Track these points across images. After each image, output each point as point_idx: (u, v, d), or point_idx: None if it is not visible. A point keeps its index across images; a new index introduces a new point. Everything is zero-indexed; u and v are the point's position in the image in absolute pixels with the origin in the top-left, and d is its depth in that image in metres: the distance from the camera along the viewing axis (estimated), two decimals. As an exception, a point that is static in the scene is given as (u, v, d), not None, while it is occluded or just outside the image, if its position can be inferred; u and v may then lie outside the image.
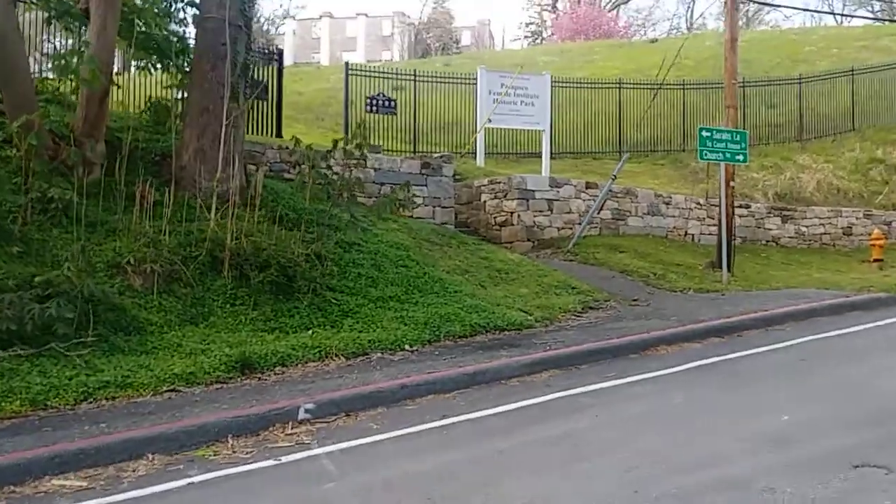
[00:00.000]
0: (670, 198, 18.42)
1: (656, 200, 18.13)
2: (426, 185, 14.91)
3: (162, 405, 6.43)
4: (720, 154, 14.21)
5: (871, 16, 64.05)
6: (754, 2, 19.09)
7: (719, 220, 14.68)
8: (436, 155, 18.77)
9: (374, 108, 21.15)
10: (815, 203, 20.88)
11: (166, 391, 6.83)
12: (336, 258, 10.19)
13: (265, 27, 78.54)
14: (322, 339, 8.39)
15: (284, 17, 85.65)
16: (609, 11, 65.28)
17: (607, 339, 8.80)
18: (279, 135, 19.75)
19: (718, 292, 13.18)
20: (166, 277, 8.68)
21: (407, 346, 8.63)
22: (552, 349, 8.37)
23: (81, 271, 7.59)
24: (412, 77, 22.19)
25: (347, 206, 10.80)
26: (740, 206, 19.49)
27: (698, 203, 18.52)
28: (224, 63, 10.83)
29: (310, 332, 8.61)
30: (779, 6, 55.08)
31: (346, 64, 21.80)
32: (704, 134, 14.05)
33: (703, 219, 18.63)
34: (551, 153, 22.81)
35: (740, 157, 14.50)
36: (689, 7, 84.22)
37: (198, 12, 11.72)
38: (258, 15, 67.09)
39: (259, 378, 7.37)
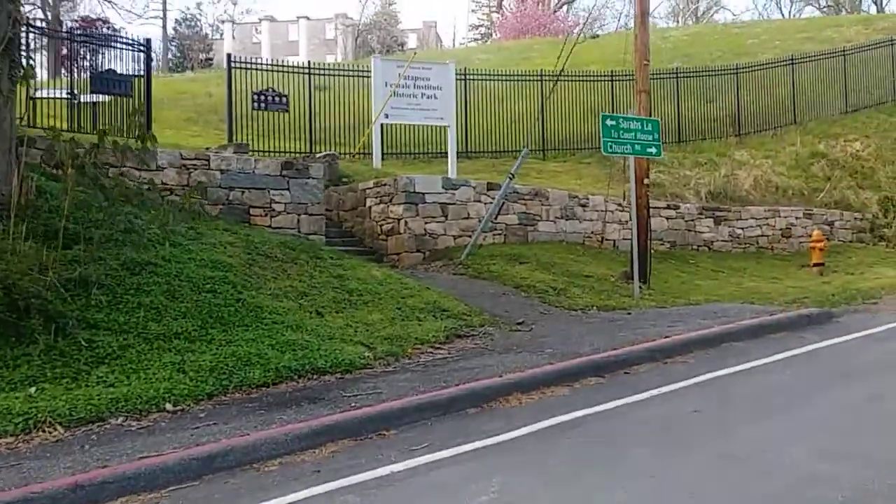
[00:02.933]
0: (587, 199, 16.33)
1: (571, 202, 16.03)
2: (288, 190, 12.60)
3: None
4: (628, 146, 12.12)
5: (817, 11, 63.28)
6: None
7: (633, 224, 12.57)
8: (319, 154, 16.58)
9: (263, 105, 18.91)
10: (751, 203, 18.97)
11: None
12: (114, 284, 7.87)
13: (203, 31, 75.91)
14: (45, 399, 6.09)
15: (223, 21, 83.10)
16: (555, 11, 63.70)
17: (443, 388, 6.58)
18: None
19: (625, 310, 11.09)
20: None
21: (168, 405, 6.34)
22: (358, 407, 6.14)
23: None
24: (305, 70, 19.91)
25: (125, 215, 8.45)
26: (668, 208, 17.54)
27: (619, 205, 16.44)
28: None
29: (33, 388, 6.28)
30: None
31: (228, 56, 19.46)
32: (609, 123, 11.96)
33: (626, 222, 16.51)
34: (467, 152, 20.80)
35: (652, 150, 12.42)
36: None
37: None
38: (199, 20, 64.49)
39: None
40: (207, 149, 15.40)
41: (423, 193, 14.11)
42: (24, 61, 10.34)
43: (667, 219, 17.39)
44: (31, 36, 16.60)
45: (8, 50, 8.75)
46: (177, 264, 8.70)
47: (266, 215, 12.38)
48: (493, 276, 12.46)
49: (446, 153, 18.71)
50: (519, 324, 9.95)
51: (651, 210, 16.21)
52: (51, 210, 8.57)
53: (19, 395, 6.11)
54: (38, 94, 18.09)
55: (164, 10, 65.01)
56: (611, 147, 11.96)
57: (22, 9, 9.28)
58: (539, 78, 22.09)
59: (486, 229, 14.31)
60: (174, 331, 7.49)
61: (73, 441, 5.60)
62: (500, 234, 14.88)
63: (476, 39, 77.14)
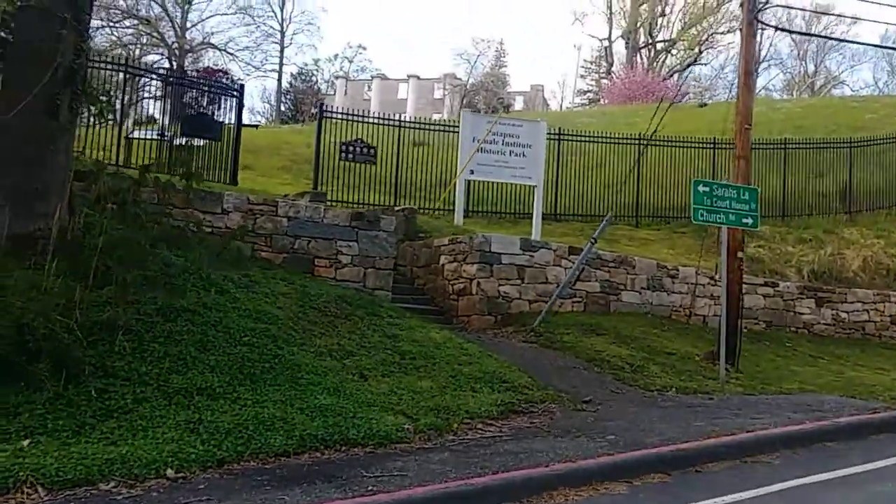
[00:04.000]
0: (677, 270, 15.25)
1: (659, 273, 14.98)
2: (357, 241, 12.07)
3: None
4: (721, 215, 11.10)
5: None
6: (774, 28, 15.77)
7: (722, 300, 11.48)
8: (398, 208, 16.08)
9: (350, 156, 18.65)
10: (859, 285, 17.42)
11: None
12: (143, 330, 7.37)
13: (317, 86, 77.89)
14: (35, 454, 5.54)
15: (337, 77, 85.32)
16: (664, 79, 62.60)
17: (476, 477, 5.73)
18: (234, 181, 17.31)
19: (707, 394, 10.01)
20: None
21: (169, 471, 5.70)
22: (374, 492, 5.35)
23: None
24: (396, 123, 19.61)
25: (162, 257, 7.97)
26: (765, 285, 16.25)
27: (712, 278, 15.27)
28: (39, 67, 8.27)
29: (27, 441, 5.75)
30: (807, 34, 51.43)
31: (321, 105, 19.37)
32: (701, 189, 10.99)
33: (717, 297, 15.21)
34: (555, 215, 20.04)
35: (748, 221, 11.36)
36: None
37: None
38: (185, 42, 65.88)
39: None
40: (285, 196, 15.12)
41: (499, 254, 13.37)
42: (88, 94, 10.23)
43: (763, 297, 16.08)
44: (123, 77, 16.88)
45: (71, 80, 8.54)
46: (217, 313, 8.18)
47: (331, 266, 11.85)
48: (566, 347, 11.56)
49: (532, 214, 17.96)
50: (585, 402, 9.01)
51: (746, 286, 15.07)
52: (94, 248, 8.19)
53: (9, 449, 5.58)
54: (133, 135, 18.47)
55: (281, 63, 67.19)
56: (702, 215, 10.97)
57: (88, 42, 9.08)
58: (636, 141, 21.20)
59: (564, 296, 13.42)
60: (198, 385, 6.91)
61: (54, 505, 5.01)
62: (579, 302, 13.96)
63: (583, 104, 76.73)
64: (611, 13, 67.16)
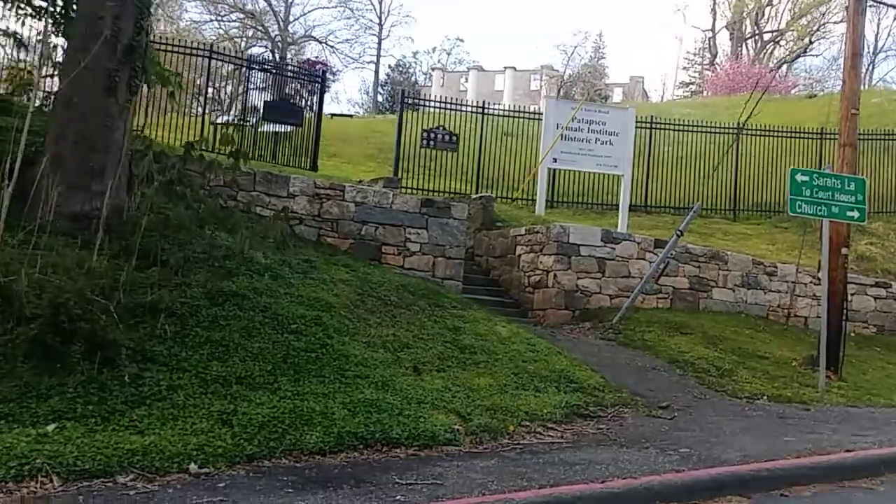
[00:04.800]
0: (775, 267, 14.17)
1: (755, 269, 13.94)
2: (426, 229, 11.55)
3: None
4: (822, 207, 10.09)
5: None
6: (879, 2, 14.42)
7: (823, 300, 10.47)
8: (475, 196, 15.49)
9: (432, 143, 18.20)
10: (982, 287, 15.87)
11: None
12: (188, 313, 7.02)
13: (414, 78, 77.91)
14: (57, 440, 5.20)
15: (433, 69, 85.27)
16: (772, 70, 59.87)
17: (519, 491, 5.08)
18: (314, 167, 17.12)
19: (804, 404, 9.10)
20: None
21: (193, 466, 5.28)
22: (401, 503, 4.80)
23: None
24: (479, 110, 19.01)
25: (210, 238, 7.56)
26: (877, 285, 14.97)
27: (815, 277, 14.11)
28: (98, 43, 8.01)
29: (52, 426, 5.43)
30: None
31: (402, 92, 18.94)
32: (799, 178, 10.02)
33: (820, 297, 14.21)
34: (646, 206, 19.13)
35: (853, 214, 10.31)
36: (868, 69, 75.29)
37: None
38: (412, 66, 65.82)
39: None
40: (360, 181, 14.75)
41: (578, 245, 12.64)
42: (159, 74, 10.02)
43: (875, 298, 14.79)
44: (212, 62, 16.84)
45: (130, 57, 8.27)
46: (267, 298, 7.78)
47: (399, 254, 11.37)
48: (647, 346, 10.79)
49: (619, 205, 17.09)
50: (662, 408, 8.25)
51: (855, 286, 13.99)
52: (151, 228, 7.89)
53: (32, 434, 5.26)
54: (218, 120, 18.47)
55: (378, 55, 67.22)
56: (800, 207, 10.00)
57: (150, 20, 8.80)
58: (733, 130, 20.01)
59: (648, 291, 12.60)
60: (238, 374, 6.49)
61: (56, 499, 4.64)
62: (665, 298, 13.09)
63: (685, 96, 74.32)
64: (714, 3, 64.58)
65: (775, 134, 20.04)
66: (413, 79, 78.69)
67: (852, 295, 13.92)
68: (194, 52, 16.53)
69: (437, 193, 16.81)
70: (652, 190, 19.56)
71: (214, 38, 52.06)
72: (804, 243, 14.44)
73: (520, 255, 13.27)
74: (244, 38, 61.85)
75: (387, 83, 74.39)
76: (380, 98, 71.73)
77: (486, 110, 18.99)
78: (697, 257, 13.54)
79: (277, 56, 56.58)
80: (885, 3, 15.78)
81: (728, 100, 41.12)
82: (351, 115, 45.94)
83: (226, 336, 6.91)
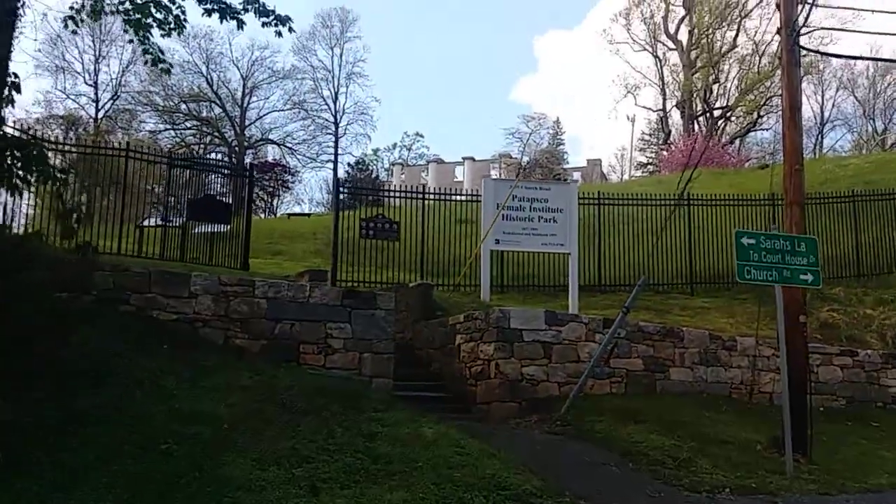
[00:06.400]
0: (734, 341, 13.23)
1: (712, 345, 13.00)
2: (349, 323, 10.51)
3: None
4: (773, 272, 9.26)
5: None
6: (813, 51, 13.93)
7: (783, 374, 9.51)
8: (412, 284, 14.52)
9: (372, 233, 17.24)
10: (955, 350, 15.04)
11: None
12: (35, 436, 5.87)
13: (375, 174, 77.81)
14: None
15: (393, 164, 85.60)
16: (724, 146, 60.40)
17: None
18: (245, 266, 16.09)
19: (771, 496, 8.05)
20: None
21: None
22: None
23: None
24: (418, 195, 18.21)
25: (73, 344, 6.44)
26: (842, 353, 14.05)
27: (776, 349, 13.14)
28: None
29: None
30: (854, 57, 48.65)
31: (336, 181, 18.18)
32: (745, 241, 9.21)
33: (785, 371, 13.26)
34: (601, 286, 18.24)
35: (806, 277, 9.46)
36: (816, 139, 76.33)
37: None
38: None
39: None
40: (286, 276, 13.75)
41: (521, 330, 11.64)
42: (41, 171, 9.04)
43: (841, 368, 13.85)
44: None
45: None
46: (139, 413, 6.64)
47: (320, 353, 10.30)
48: (597, 439, 9.71)
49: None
50: (609, 513, 7.13)
51: (820, 356, 13.15)
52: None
53: None
54: (144, 223, 17.50)
55: (336, 153, 66.75)
56: (749, 273, 9.16)
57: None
58: (685, 202, 19.35)
59: (599, 375, 11.59)
60: (83, 512, 5.32)
61: None
62: (618, 382, 12.06)
63: (644, 176, 74.76)
64: (663, 84, 65.56)
65: (725, 203, 19.46)
66: (374, 174, 78.65)
67: (817, 366, 13.01)
68: (109, 152, 15.63)
69: (377, 285, 15.84)
70: (605, 268, 18.70)
71: (171, 146, 51.70)
72: (763, 314, 13.55)
73: (459, 345, 12.24)
74: (201, 145, 61.69)
75: (347, 181, 74.32)
76: (342, 196, 71.30)
77: (425, 194, 18.18)
78: (651, 335, 12.60)
79: (234, 159, 56.21)
80: (817, 52, 15.36)
81: (679, 175, 41.03)
82: (308, 214, 45.39)
83: (74, 463, 5.76)
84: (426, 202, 18.17)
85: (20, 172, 8.78)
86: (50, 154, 12.94)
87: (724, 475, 8.67)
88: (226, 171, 17.42)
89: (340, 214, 17.46)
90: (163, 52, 11.31)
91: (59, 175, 9.84)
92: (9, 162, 8.73)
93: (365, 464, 7.18)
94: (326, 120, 65.09)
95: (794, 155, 10.30)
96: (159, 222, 17.22)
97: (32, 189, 9.38)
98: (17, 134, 9.87)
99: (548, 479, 7.77)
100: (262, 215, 52.21)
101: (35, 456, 5.71)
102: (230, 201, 17.14)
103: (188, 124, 61.86)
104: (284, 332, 10.17)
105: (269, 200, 59.98)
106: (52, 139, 12.93)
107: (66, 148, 13.55)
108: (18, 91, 8.64)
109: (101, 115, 55.32)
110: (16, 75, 8.58)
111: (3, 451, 5.55)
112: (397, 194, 17.91)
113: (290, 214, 44.61)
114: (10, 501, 5.13)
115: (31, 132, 12.97)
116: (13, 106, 8.77)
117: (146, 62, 11.27)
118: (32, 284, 7.83)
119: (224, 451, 6.60)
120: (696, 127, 64.75)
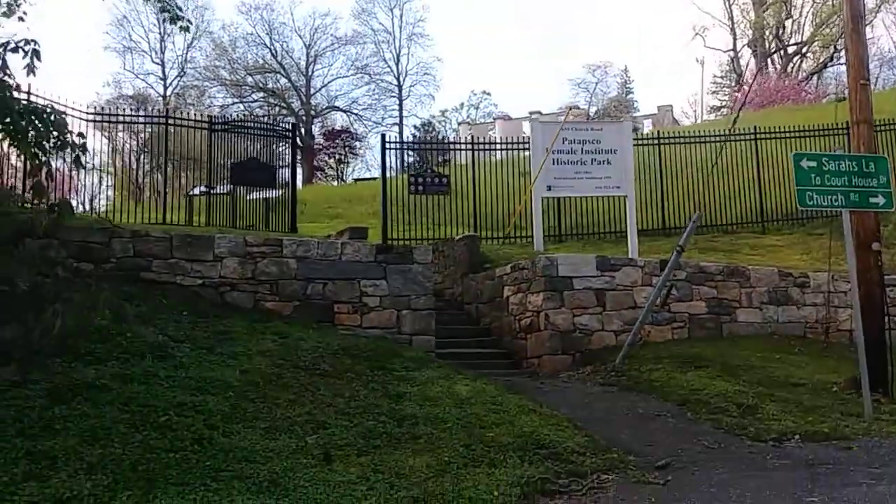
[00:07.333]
0: (806, 278, 12.27)
1: (783, 283, 12.07)
2: (385, 279, 9.98)
3: None
4: (838, 196, 8.30)
5: None
6: None
7: (855, 308, 8.60)
8: (458, 237, 13.90)
9: (421, 188, 16.67)
10: None
11: None
12: (13, 418, 5.50)
13: (441, 135, 77.00)
14: None
15: (460, 123, 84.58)
16: (800, 82, 57.55)
17: None
18: (293, 229, 15.71)
19: (846, 441, 7.22)
20: None
21: None
22: None
23: None
24: (468, 146, 17.52)
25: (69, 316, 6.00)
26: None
27: (855, 284, 12.12)
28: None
29: None
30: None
31: (382, 136, 17.51)
32: (805, 164, 8.27)
33: (865, 306, 12.22)
34: (665, 229, 17.32)
35: (877, 200, 8.46)
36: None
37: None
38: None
39: None
40: (328, 236, 13.28)
41: (571, 278, 10.95)
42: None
43: (928, 300, 12.74)
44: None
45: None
46: (139, 385, 6.25)
47: (355, 312, 9.81)
48: (654, 388, 8.99)
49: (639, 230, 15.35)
50: (659, 468, 6.44)
51: (898, 287, 11.97)
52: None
53: None
54: (194, 191, 17.30)
55: (401, 116, 66.07)
56: (809, 199, 8.23)
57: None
58: (751, 136, 18.20)
59: (658, 321, 10.85)
60: (61, 496, 4.87)
61: None
62: (681, 327, 11.29)
63: (718, 119, 72.02)
64: (733, 24, 62.57)
65: (795, 135, 18.20)
66: (441, 135, 77.79)
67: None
68: (150, 119, 15.40)
69: (427, 242, 15.28)
70: (669, 211, 17.74)
71: (240, 119, 51.90)
72: (837, 247, 12.51)
73: (507, 298, 11.61)
74: (269, 116, 61.86)
75: (394, 140, 73.46)
76: (410, 159, 70.74)
77: (474, 146, 17.46)
78: (714, 276, 11.74)
79: (302, 129, 56.32)
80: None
81: (754, 114, 39.21)
82: (375, 178, 45.05)
83: (56, 445, 5.34)
84: (478, 155, 17.45)
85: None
86: (79, 122, 12.81)
87: (794, 421, 7.87)
88: (267, 133, 16.90)
89: (395, 175, 16.99)
90: (181, 10, 10.88)
91: (76, 142, 9.56)
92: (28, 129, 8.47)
93: (388, 427, 6.65)
94: (389, 83, 64.32)
95: (859, 68, 9.23)
96: (207, 190, 16.99)
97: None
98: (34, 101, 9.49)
99: (593, 434, 7.13)
100: (334, 182, 51.91)
101: (11, 442, 5.31)
102: (273, 163, 16.73)
103: (255, 97, 61.97)
104: (317, 292, 9.70)
105: (337, 167, 59.79)
106: (76, 105, 12.56)
107: (94, 116, 13.19)
108: (38, 58, 8.31)
109: (169, 92, 55.98)
110: (36, 42, 8.27)
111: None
112: (442, 147, 17.12)
113: (356, 179, 44.39)
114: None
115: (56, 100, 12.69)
116: (34, 74, 8.40)
117: (164, 20, 10.87)
118: (42, 253, 7.50)
119: (231, 420, 6.15)
120: (770, 66, 61.88)
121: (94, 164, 15.69)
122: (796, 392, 8.95)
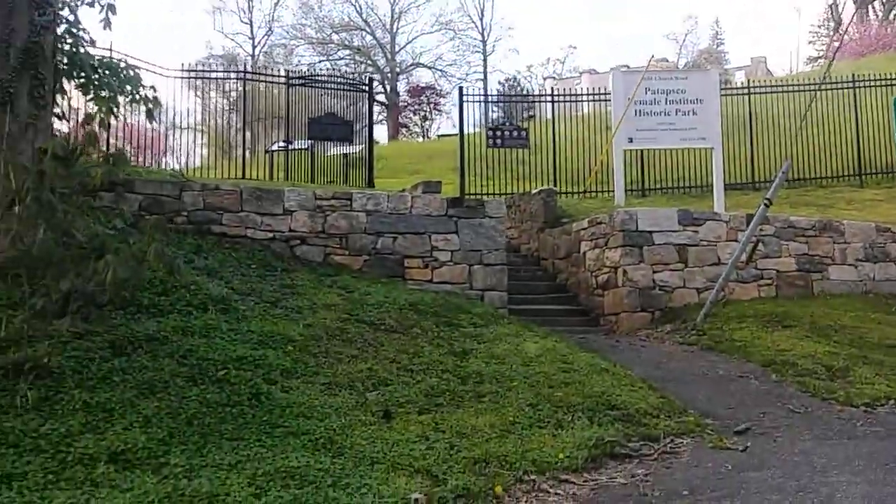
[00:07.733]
0: (907, 232, 11.49)
1: (880, 238, 11.33)
2: (457, 234, 9.73)
3: None
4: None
5: None
6: None
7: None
8: (535, 191, 13.53)
9: (499, 142, 16.34)
10: None
11: None
12: (74, 370, 5.48)
13: (526, 90, 75.80)
14: None
15: (546, 78, 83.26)
16: (905, 27, 54.28)
17: None
18: (370, 184, 15.62)
19: (946, 409, 6.66)
20: None
21: None
22: None
23: None
24: (547, 98, 17.01)
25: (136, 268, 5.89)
26: None
27: (963, 238, 11.33)
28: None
29: None
30: None
31: (460, 89, 17.14)
32: (909, 107, 7.58)
33: (973, 263, 11.42)
34: (754, 182, 16.59)
35: None
36: None
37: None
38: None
39: None
40: (402, 190, 13.08)
41: (651, 232, 10.48)
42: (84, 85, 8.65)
43: None
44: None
45: (29, 62, 6.93)
46: (199, 339, 6.17)
47: (426, 267, 9.61)
48: (736, 348, 8.55)
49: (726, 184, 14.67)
50: (738, 433, 6.06)
51: None
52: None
53: None
54: (273, 147, 17.34)
55: (485, 72, 65.33)
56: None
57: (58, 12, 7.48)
58: (849, 85, 17.14)
59: (744, 278, 10.32)
60: (114, 448, 4.82)
61: None
62: (768, 285, 10.72)
63: (815, 70, 68.68)
64: (832, -33, 59.34)
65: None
66: (526, 91, 76.57)
67: None
68: (228, 74, 15.40)
69: (505, 197, 14.94)
70: (758, 164, 16.92)
71: (327, 76, 52.09)
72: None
73: (584, 253, 11.23)
74: (355, 74, 61.91)
75: (469, 92, 72.46)
76: (494, 115, 69.96)
77: (554, 98, 16.94)
78: (805, 231, 11.10)
79: (388, 87, 56.40)
80: None
81: (854, 63, 37.18)
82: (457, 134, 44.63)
83: (114, 397, 5.29)
84: (561, 109, 16.94)
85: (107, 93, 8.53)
86: (164, 80, 12.86)
87: (889, 385, 7.34)
88: (344, 87, 16.74)
89: (476, 130, 16.66)
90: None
91: (148, 96, 9.53)
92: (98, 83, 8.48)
93: (451, 385, 6.42)
94: (474, 39, 63.46)
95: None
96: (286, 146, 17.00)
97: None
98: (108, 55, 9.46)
99: (669, 396, 6.79)
100: (419, 139, 51.70)
101: (70, 395, 5.27)
102: (351, 119, 16.58)
103: (341, 54, 61.97)
104: (387, 246, 9.53)
105: (422, 124, 59.50)
106: (151, 62, 12.56)
107: (167, 73, 13.19)
108: (114, 12, 8.25)
109: (257, 52, 56.54)
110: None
111: (37, 391, 5.16)
112: (522, 100, 16.66)
113: (440, 136, 44.15)
114: (33, 446, 4.71)
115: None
116: (110, 28, 8.36)
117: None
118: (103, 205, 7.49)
119: (290, 376, 6.02)
120: (871, 12, 58.60)
121: (187, 124, 15.89)
122: (892, 354, 8.38)
